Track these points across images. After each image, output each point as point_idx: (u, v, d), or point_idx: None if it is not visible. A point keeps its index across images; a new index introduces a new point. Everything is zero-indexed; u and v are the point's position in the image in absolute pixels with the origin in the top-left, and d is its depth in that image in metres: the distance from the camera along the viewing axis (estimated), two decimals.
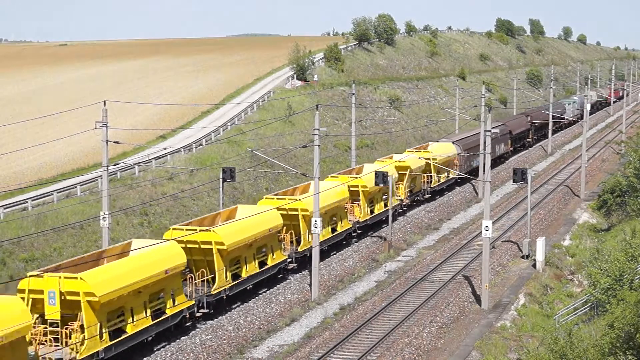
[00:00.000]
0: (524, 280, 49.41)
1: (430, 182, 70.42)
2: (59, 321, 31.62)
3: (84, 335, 31.40)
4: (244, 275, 42.75)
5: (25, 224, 45.95)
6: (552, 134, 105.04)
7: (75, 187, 52.20)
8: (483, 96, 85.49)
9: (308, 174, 55.13)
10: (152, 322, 35.43)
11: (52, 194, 50.46)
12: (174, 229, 41.34)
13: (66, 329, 31.43)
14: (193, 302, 38.60)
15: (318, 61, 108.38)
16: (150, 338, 35.89)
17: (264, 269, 44.69)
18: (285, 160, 68.23)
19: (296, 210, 48.69)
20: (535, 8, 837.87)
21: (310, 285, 46.47)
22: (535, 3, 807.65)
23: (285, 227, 47.81)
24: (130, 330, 34.13)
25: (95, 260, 35.17)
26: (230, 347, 38.22)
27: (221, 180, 51.21)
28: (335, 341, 38.20)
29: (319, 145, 45.35)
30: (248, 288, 43.75)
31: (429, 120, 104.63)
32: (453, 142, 77.40)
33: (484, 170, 50.79)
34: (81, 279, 31.59)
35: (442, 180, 72.41)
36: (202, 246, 40.14)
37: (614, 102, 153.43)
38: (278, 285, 46.63)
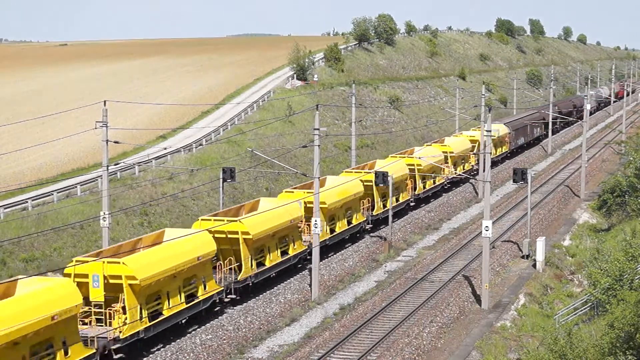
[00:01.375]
0: (524, 280, 49.41)
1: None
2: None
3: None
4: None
5: (25, 224, 45.94)
6: (573, 124, 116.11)
7: (75, 187, 52.18)
8: (483, 96, 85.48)
9: (308, 173, 55.14)
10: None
11: (52, 194, 50.44)
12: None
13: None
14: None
15: (318, 61, 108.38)
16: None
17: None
18: (285, 160, 68.22)
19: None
20: (535, 8, 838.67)
21: (310, 285, 46.48)
22: (535, 3, 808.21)
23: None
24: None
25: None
26: (230, 347, 38.23)
27: (221, 180, 51.22)
28: (335, 341, 38.20)
29: (319, 145, 45.36)
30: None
31: (429, 120, 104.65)
32: (504, 124, 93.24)
33: (484, 170, 50.81)
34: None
35: (496, 154, 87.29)
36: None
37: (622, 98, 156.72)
38: (278, 285, 46.64)
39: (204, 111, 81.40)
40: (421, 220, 65.27)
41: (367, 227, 58.20)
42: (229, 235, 42.28)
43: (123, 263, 33.84)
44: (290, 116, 77.01)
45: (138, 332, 34.23)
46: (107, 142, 42.59)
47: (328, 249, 52.14)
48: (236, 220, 42.41)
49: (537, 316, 43.20)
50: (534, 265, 52.14)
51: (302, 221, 49.44)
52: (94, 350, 32.14)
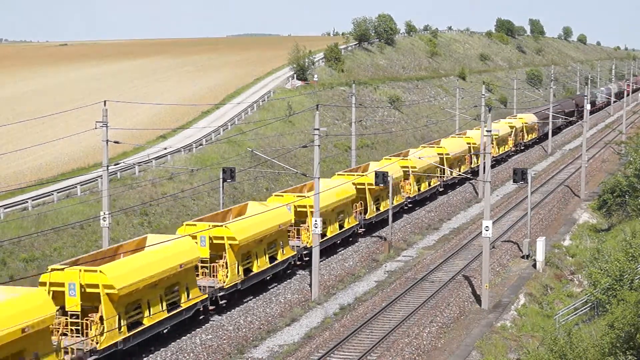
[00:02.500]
0: (524, 280, 49.41)
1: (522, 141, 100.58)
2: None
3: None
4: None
5: (25, 224, 45.95)
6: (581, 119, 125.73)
7: (76, 187, 52.19)
8: (483, 96, 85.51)
9: (308, 174, 55.10)
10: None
11: (52, 194, 50.45)
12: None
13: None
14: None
15: (318, 61, 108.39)
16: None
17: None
18: (285, 160, 68.23)
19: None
20: (535, 8, 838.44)
21: (310, 285, 46.47)
22: (535, 3, 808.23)
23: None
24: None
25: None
26: (230, 347, 38.22)
27: (221, 180, 51.19)
28: (335, 341, 38.20)
29: (319, 145, 45.34)
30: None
31: (429, 120, 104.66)
32: (534, 114, 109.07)
33: (484, 170, 50.81)
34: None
35: (528, 139, 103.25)
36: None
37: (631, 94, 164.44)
38: (278, 285, 46.64)
39: (204, 111, 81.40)
40: (421, 221, 65.26)
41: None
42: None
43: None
44: (290, 116, 77.02)
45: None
46: (107, 142, 42.59)
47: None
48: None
49: (537, 316, 43.19)
50: (534, 265, 52.13)
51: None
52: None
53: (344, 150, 79.24)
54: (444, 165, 72.12)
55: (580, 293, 45.81)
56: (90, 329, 32.12)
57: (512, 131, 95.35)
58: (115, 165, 53.22)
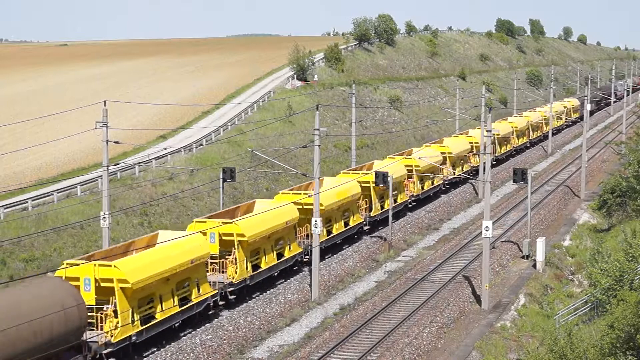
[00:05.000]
0: (524, 281, 49.41)
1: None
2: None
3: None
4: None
5: (25, 224, 45.94)
6: (606, 106, 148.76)
7: (76, 187, 52.17)
8: (483, 96, 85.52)
9: (308, 174, 55.11)
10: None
11: (52, 194, 50.43)
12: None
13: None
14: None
15: (318, 61, 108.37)
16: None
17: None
18: (285, 160, 68.21)
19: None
20: (535, 8, 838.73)
21: (310, 285, 46.47)
22: (535, 3, 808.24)
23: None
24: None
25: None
26: (230, 347, 38.22)
27: (221, 180, 51.19)
28: (335, 341, 38.20)
29: (319, 145, 45.33)
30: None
31: (429, 120, 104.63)
32: (577, 98, 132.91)
33: (484, 171, 50.83)
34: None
35: (573, 116, 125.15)
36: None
37: None
38: (278, 286, 46.64)
39: (204, 111, 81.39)
40: (421, 221, 65.25)
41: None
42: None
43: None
44: (290, 116, 77.03)
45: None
46: (107, 142, 42.58)
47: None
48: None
49: (537, 316, 43.20)
50: (534, 266, 52.13)
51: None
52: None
53: (344, 150, 79.22)
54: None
55: (580, 293, 45.81)
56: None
57: (565, 110, 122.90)
58: (115, 165, 53.21)
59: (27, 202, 48.53)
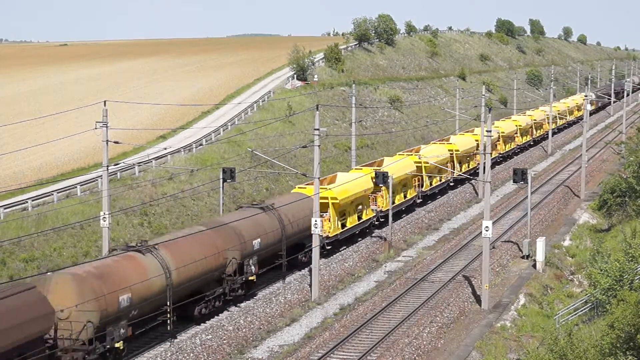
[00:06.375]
0: (524, 281, 49.41)
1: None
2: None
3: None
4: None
5: (25, 224, 45.90)
6: (615, 102, 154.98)
7: (76, 187, 52.14)
8: (483, 96, 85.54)
9: (308, 174, 55.20)
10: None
11: (52, 194, 50.40)
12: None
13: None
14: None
15: (318, 61, 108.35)
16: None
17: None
18: (285, 160, 68.20)
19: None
20: (535, 8, 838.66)
21: (310, 285, 46.47)
22: (535, 3, 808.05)
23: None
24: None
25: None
26: (230, 347, 38.22)
27: (221, 180, 51.20)
28: (335, 341, 38.21)
29: (319, 146, 45.35)
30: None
31: (429, 120, 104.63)
32: (594, 93, 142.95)
33: (484, 171, 50.84)
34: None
35: (593, 108, 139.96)
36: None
37: None
38: (278, 285, 46.64)
39: (204, 111, 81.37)
40: (421, 221, 65.26)
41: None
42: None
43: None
44: (290, 116, 76.98)
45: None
46: (107, 142, 42.57)
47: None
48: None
49: (537, 316, 43.21)
50: (534, 266, 52.13)
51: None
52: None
53: (344, 150, 79.21)
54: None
55: (580, 293, 45.82)
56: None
57: (582, 104, 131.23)
58: (115, 165, 53.17)
59: (27, 202, 48.49)
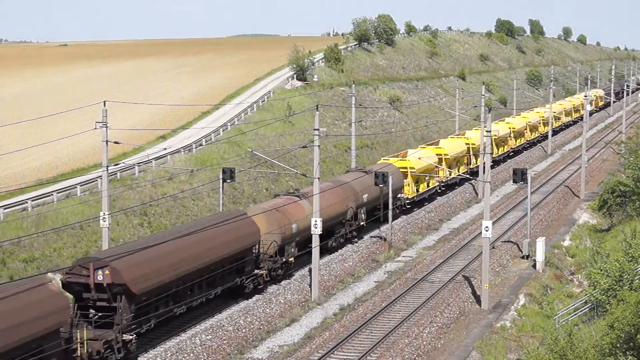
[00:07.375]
0: (524, 281, 49.41)
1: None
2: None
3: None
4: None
5: (25, 224, 45.89)
6: (620, 97, 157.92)
7: (75, 187, 52.12)
8: (483, 96, 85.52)
9: (308, 174, 55.14)
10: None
11: (52, 194, 50.38)
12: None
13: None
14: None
15: (318, 61, 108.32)
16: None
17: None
18: (285, 160, 68.18)
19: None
20: (535, 8, 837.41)
21: (310, 285, 46.49)
22: (535, 3, 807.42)
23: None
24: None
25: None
26: (230, 347, 38.23)
27: (221, 180, 51.17)
28: (335, 341, 38.21)
29: (319, 146, 45.37)
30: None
31: (429, 120, 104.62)
32: (602, 89, 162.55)
33: (484, 171, 50.82)
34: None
35: (601, 104, 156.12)
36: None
37: None
38: (278, 285, 46.67)
39: (204, 111, 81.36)
40: (421, 221, 65.30)
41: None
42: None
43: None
44: (290, 116, 76.94)
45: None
46: (107, 143, 42.57)
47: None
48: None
49: (537, 316, 43.21)
50: (534, 266, 52.13)
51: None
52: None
53: (343, 150, 79.19)
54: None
55: (580, 293, 45.81)
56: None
57: (595, 98, 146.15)
58: (115, 165, 53.15)
59: (27, 202, 48.48)
